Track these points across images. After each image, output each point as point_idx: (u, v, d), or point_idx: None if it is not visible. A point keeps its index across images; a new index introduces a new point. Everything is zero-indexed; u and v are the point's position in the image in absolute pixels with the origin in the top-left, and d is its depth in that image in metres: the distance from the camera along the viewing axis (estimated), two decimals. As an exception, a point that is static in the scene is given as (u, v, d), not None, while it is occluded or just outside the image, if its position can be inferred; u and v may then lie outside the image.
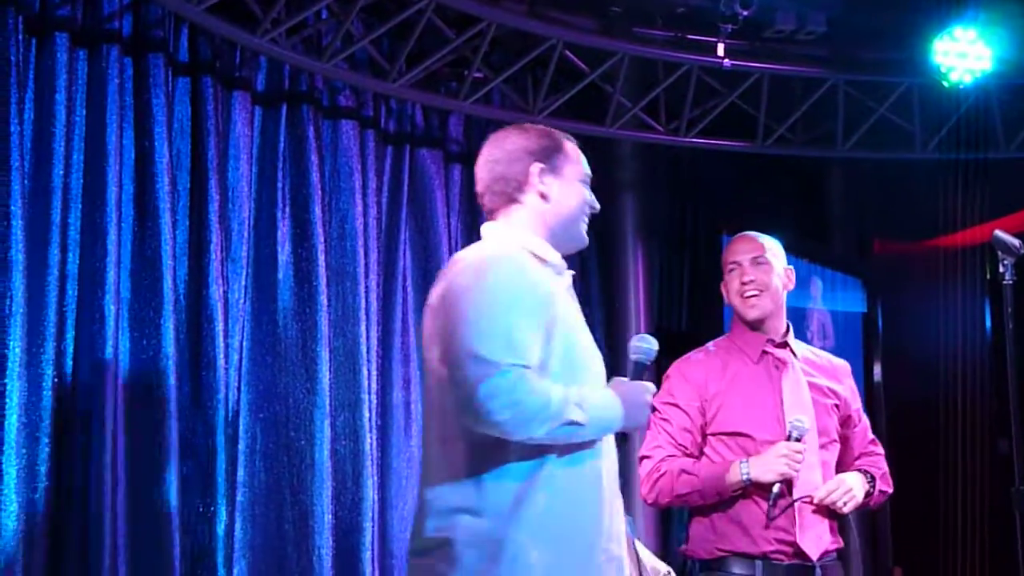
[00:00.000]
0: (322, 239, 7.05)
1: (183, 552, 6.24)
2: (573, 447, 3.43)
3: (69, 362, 5.96)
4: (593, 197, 3.77)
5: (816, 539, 4.65)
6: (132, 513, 6.09)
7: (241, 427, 6.68)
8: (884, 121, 8.75)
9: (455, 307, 3.42)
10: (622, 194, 8.79)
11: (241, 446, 6.67)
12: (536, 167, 3.65)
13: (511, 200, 3.69)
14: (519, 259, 3.50)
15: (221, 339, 6.54)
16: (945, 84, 8.10)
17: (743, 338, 4.86)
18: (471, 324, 3.34)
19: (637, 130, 8.46)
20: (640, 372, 3.68)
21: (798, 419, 4.61)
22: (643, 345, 3.71)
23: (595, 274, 8.76)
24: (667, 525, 8.57)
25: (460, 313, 3.39)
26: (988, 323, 9.49)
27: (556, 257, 3.65)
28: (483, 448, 3.38)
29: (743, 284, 4.81)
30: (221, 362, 6.52)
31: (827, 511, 4.69)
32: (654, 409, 4.79)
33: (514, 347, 3.31)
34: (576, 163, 3.73)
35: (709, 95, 8.48)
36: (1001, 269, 4.51)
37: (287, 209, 7.05)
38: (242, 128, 6.93)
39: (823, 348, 8.54)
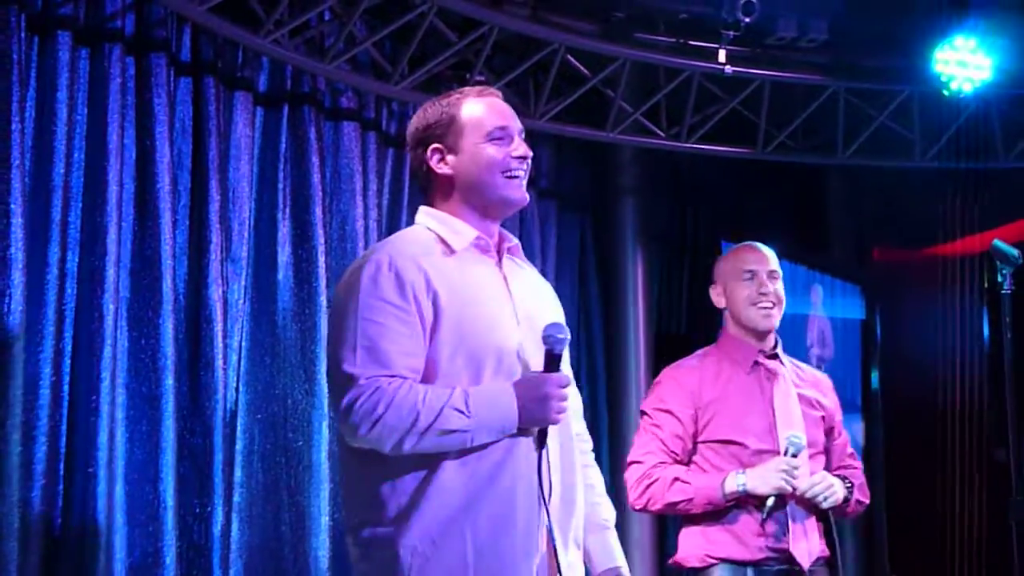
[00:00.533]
0: (322, 240, 7.05)
1: (179, 552, 6.23)
2: (472, 450, 3.28)
3: (67, 361, 5.95)
4: (515, 146, 3.55)
5: (807, 546, 4.67)
6: (128, 512, 6.09)
7: (239, 428, 6.68)
8: (884, 129, 8.76)
9: (330, 320, 3.43)
10: (622, 199, 8.81)
11: (239, 447, 6.67)
12: (429, 152, 3.55)
13: (427, 185, 3.61)
14: (386, 254, 3.38)
15: (220, 339, 6.54)
16: (945, 93, 8.10)
17: (736, 347, 4.85)
18: (336, 337, 3.32)
19: (638, 135, 8.47)
20: (552, 362, 3.37)
21: (795, 435, 4.64)
22: (555, 334, 3.39)
23: (594, 279, 8.77)
24: (664, 536, 8.57)
25: (331, 325, 3.40)
26: (986, 332, 9.50)
27: (464, 231, 3.50)
28: (372, 459, 3.29)
29: (762, 295, 4.78)
30: (220, 362, 6.52)
31: (816, 518, 4.72)
32: (644, 414, 4.82)
33: (377, 356, 3.24)
34: (475, 126, 3.54)
35: (710, 101, 8.49)
36: (999, 278, 4.53)
37: (288, 210, 7.05)
38: (243, 129, 6.93)
39: (822, 356, 8.56)
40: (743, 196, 9.94)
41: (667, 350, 8.90)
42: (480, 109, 3.57)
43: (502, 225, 3.66)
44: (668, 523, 8.60)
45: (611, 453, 8.50)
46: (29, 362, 5.81)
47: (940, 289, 9.80)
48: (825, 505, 4.70)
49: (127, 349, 6.23)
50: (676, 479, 4.66)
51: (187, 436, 6.42)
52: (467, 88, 3.66)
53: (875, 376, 10.03)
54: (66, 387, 5.93)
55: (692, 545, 4.72)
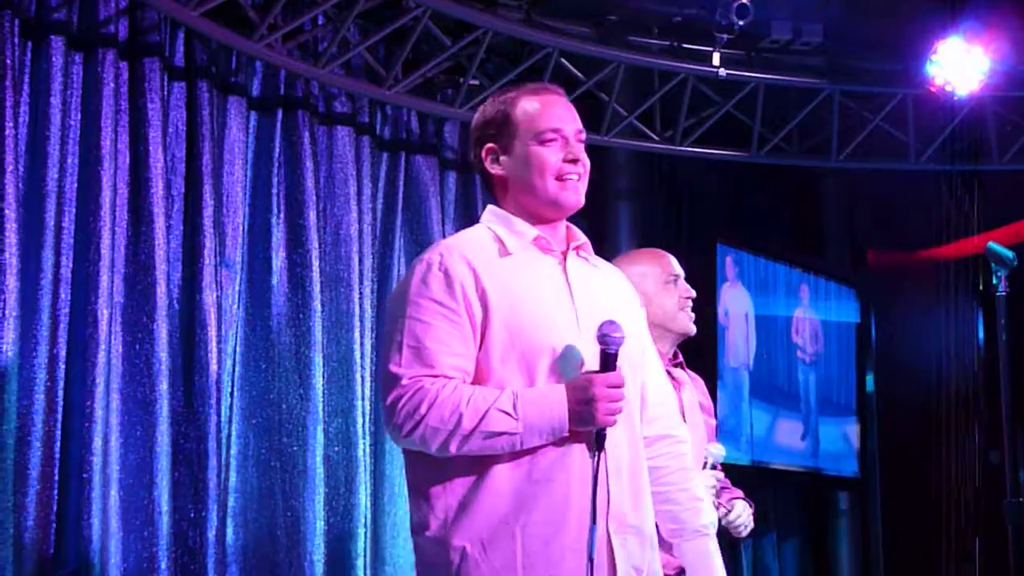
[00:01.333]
0: (316, 245, 7.05)
1: (174, 557, 6.23)
2: (524, 452, 3.17)
3: (62, 366, 5.95)
4: (568, 147, 3.40)
5: None
6: (123, 517, 6.09)
7: (234, 432, 6.68)
8: (879, 131, 8.77)
9: (385, 320, 3.39)
10: (617, 202, 8.80)
11: (233, 451, 6.67)
12: (484, 151, 3.46)
13: (488, 184, 3.52)
14: (438, 253, 3.29)
15: (214, 344, 6.53)
16: (940, 96, 8.10)
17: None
18: (385, 337, 3.27)
19: (632, 138, 8.47)
20: (606, 361, 3.23)
21: (715, 447, 4.63)
22: (611, 332, 3.23)
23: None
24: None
25: (384, 325, 3.36)
26: (981, 334, 9.50)
27: (523, 230, 3.39)
28: (424, 460, 3.22)
29: (688, 299, 4.75)
30: (214, 367, 6.51)
31: None
32: None
33: (422, 356, 3.17)
34: (528, 124, 3.42)
35: (704, 104, 8.49)
36: (994, 281, 4.52)
37: (282, 215, 7.05)
38: (237, 133, 6.93)
39: (815, 352, 8.53)
40: (738, 199, 9.95)
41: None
42: (534, 108, 3.45)
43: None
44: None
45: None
46: (23, 367, 5.82)
47: (935, 291, 9.79)
48: (743, 533, 4.74)
49: (121, 354, 6.23)
50: None
51: (181, 441, 6.41)
52: (528, 85, 3.55)
53: (870, 379, 10.03)
54: (60, 392, 5.94)
55: None
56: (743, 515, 4.68)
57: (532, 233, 3.40)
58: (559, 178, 3.39)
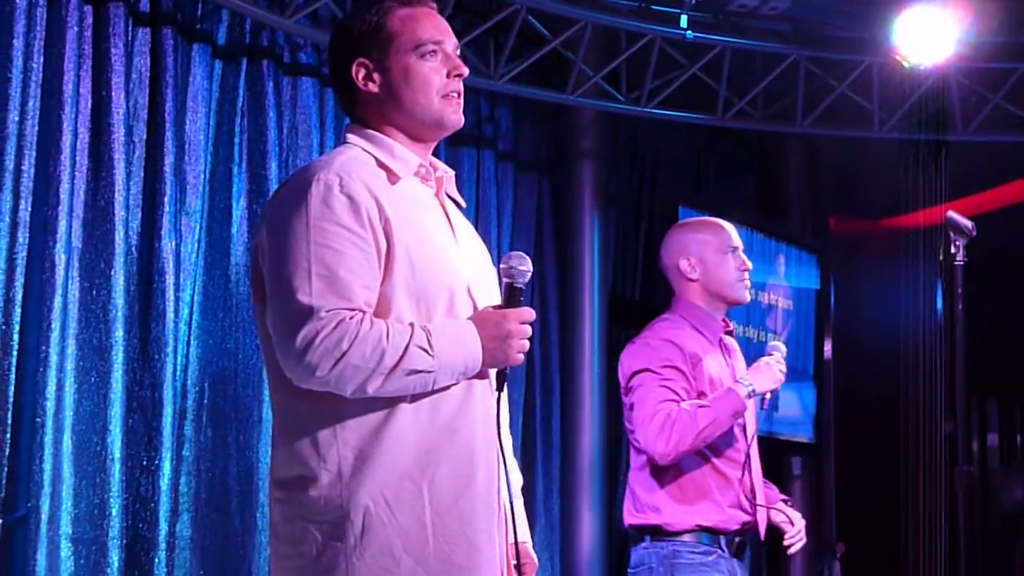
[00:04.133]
0: (278, 196, 7.02)
1: (125, 504, 6.22)
2: (424, 396, 2.95)
3: (17, 309, 5.91)
4: (451, 62, 3.19)
5: (763, 517, 4.76)
6: (76, 463, 6.08)
7: (189, 381, 6.66)
8: (844, 99, 8.79)
9: (272, 245, 2.98)
10: (580, 162, 8.79)
11: (188, 401, 6.65)
12: (354, 67, 3.16)
13: (351, 104, 3.22)
14: (335, 175, 2.97)
15: (172, 292, 6.51)
16: (904, 65, 8.12)
17: (705, 320, 4.83)
18: (283, 265, 2.91)
19: (598, 98, 8.46)
20: (513, 296, 3.07)
21: (774, 344, 4.78)
22: (518, 266, 3.07)
23: (550, 240, 8.77)
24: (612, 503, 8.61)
25: (277, 252, 2.95)
26: (939, 303, 9.56)
27: (406, 157, 3.14)
28: (317, 403, 2.94)
29: (743, 271, 4.82)
30: (171, 315, 6.50)
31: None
32: (647, 371, 4.69)
33: (336, 287, 2.87)
34: (407, 37, 3.16)
35: (671, 66, 8.49)
36: (953, 250, 4.55)
37: (243, 164, 7.03)
38: (201, 81, 6.89)
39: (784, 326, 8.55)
40: (702, 162, 9.97)
41: (621, 314, 8.95)
42: (411, 19, 3.18)
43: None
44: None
45: (562, 415, 8.56)
46: (-22, 311, 5.79)
47: (896, 260, 9.85)
48: (792, 550, 4.86)
49: (78, 300, 6.20)
50: (697, 407, 4.58)
51: (136, 389, 6.40)
52: None
53: (828, 346, 10.08)
54: (15, 336, 5.89)
55: (676, 511, 4.67)
56: (798, 535, 4.84)
57: (415, 161, 3.15)
58: (442, 94, 3.16)
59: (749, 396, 4.62)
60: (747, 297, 4.86)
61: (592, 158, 8.84)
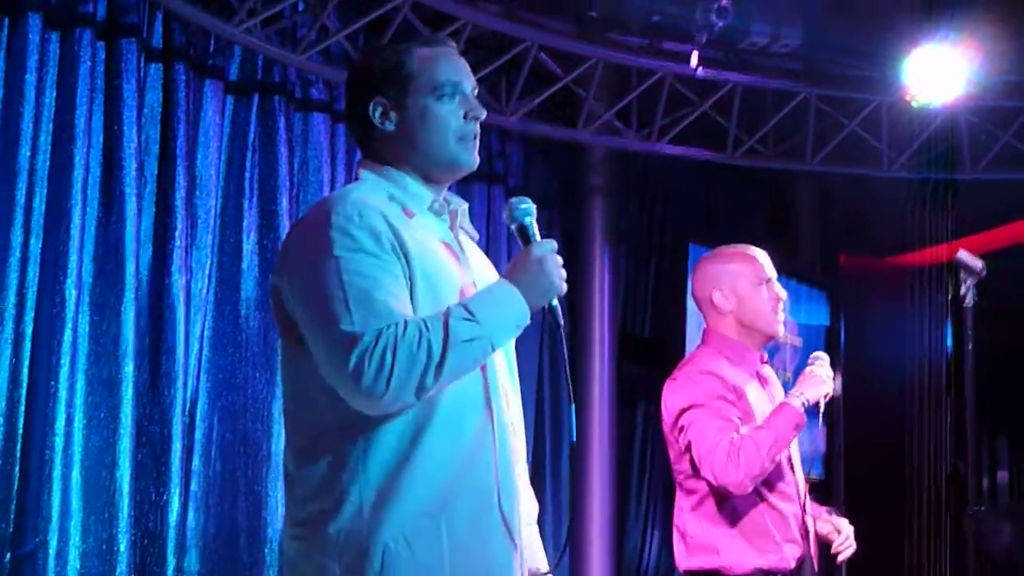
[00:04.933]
0: (288, 231, 7.02)
1: (134, 540, 6.22)
2: (444, 436, 2.94)
3: (27, 344, 5.93)
4: (469, 104, 3.16)
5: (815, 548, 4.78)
6: (85, 498, 6.08)
7: (198, 416, 6.66)
8: (853, 137, 8.80)
9: (301, 285, 2.96)
10: (591, 198, 8.81)
11: (197, 435, 6.65)
12: (372, 105, 3.15)
13: (366, 141, 3.20)
14: (352, 206, 2.96)
15: (182, 327, 6.53)
16: (914, 104, 8.12)
17: (741, 353, 4.76)
18: (323, 300, 2.88)
19: (608, 135, 8.48)
20: (526, 236, 3.10)
21: (815, 354, 4.77)
22: (517, 206, 3.10)
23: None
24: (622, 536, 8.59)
25: (308, 289, 2.94)
26: (949, 342, 9.53)
27: (420, 192, 3.14)
28: (339, 441, 2.94)
29: (779, 301, 4.77)
30: (181, 350, 6.51)
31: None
32: (697, 407, 4.56)
33: (374, 309, 2.85)
34: (425, 79, 3.14)
35: (681, 103, 8.50)
36: (963, 290, 4.54)
37: (254, 199, 7.04)
38: (213, 116, 6.91)
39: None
40: (712, 199, 9.98)
41: (631, 350, 8.95)
42: (431, 60, 3.16)
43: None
44: (627, 523, 8.64)
45: (572, 456, 8.54)
46: (-11, 345, 5.80)
47: (905, 298, 9.83)
48: (841, 558, 4.84)
49: (88, 334, 6.21)
50: (757, 429, 4.55)
51: (145, 423, 6.40)
52: (420, 36, 3.28)
53: (838, 382, 10.06)
54: (25, 371, 5.92)
55: (735, 553, 4.60)
56: (848, 540, 4.84)
57: (428, 196, 3.14)
58: (461, 138, 3.15)
59: (803, 406, 4.60)
60: (781, 331, 4.76)
61: (603, 194, 8.85)
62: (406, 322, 2.85)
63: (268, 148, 7.15)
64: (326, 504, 2.93)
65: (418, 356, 2.82)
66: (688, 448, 4.59)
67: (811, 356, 4.76)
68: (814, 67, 8.57)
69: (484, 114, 3.19)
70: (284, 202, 7.07)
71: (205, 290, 6.79)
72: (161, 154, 6.65)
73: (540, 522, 3.43)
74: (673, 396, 4.67)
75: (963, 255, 4.58)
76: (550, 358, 8.60)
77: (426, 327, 2.85)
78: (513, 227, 3.13)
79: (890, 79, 8.19)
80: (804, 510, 4.71)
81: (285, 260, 3.05)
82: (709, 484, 4.55)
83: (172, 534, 6.40)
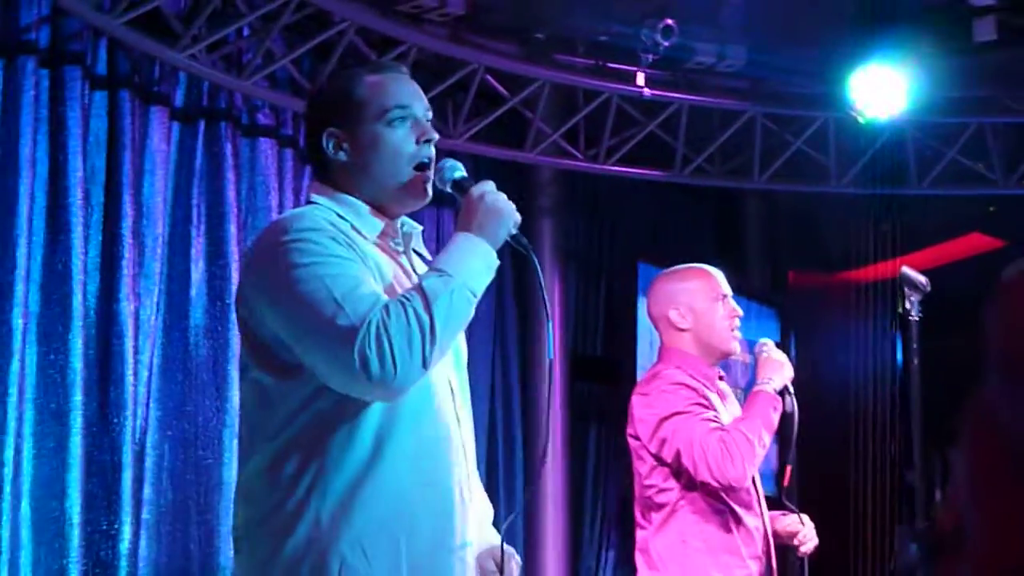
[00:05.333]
0: (236, 257, 7.00)
1: (85, 570, 6.18)
2: (407, 448, 2.95)
3: (-26, 375, 5.90)
4: (420, 128, 3.15)
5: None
6: (35, 530, 6.03)
7: (148, 444, 6.62)
8: (800, 154, 8.84)
9: (278, 298, 2.95)
10: (540, 219, 8.79)
11: (148, 463, 6.60)
12: (325, 137, 3.13)
13: (323, 170, 3.19)
14: (309, 220, 2.99)
15: (131, 355, 6.49)
16: (860, 120, 8.16)
17: (697, 368, 4.76)
18: (311, 306, 2.87)
19: (556, 156, 8.49)
20: (463, 188, 3.14)
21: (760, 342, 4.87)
22: (444, 166, 3.16)
23: (511, 296, 8.77)
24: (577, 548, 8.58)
25: (291, 303, 2.92)
26: (899, 357, 9.58)
27: (372, 218, 3.13)
28: (297, 452, 2.93)
29: (736, 317, 4.79)
30: (130, 379, 6.46)
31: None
32: (677, 414, 4.59)
33: (359, 298, 2.86)
34: (374, 101, 3.13)
35: (628, 124, 8.53)
36: (908, 305, 4.56)
37: (202, 226, 7.01)
38: (159, 143, 6.87)
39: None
40: (660, 218, 9.99)
41: (583, 370, 8.95)
42: (379, 86, 3.15)
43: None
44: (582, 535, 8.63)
45: (525, 470, 8.53)
46: (-66, 375, 5.76)
47: (854, 314, 9.88)
48: (803, 549, 4.89)
49: (36, 364, 6.17)
50: (740, 422, 4.59)
51: (95, 452, 6.36)
52: (369, 63, 3.34)
53: (788, 400, 10.08)
54: (-28, 402, 5.87)
55: (700, 567, 4.59)
56: (810, 534, 4.91)
57: (379, 224, 3.13)
58: (417, 165, 3.15)
59: (774, 391, 4.64)
60: (736, 349, 4.82)
61: (551, 215, 8.85)
62: (386, 304, 2.86)
63: (215, 174, 7.12)
64: (281, 516, 2.92)
65: (411, 327, 2.82)
66: (677, 456, 4.59)
67: (758, 345, 4.80)
68: (760, 86, 8.62)
69: (436, 137, 3.18)
70: (232, 228, 7.04)
71: (153, 318, 6.75)
72: (107, 182, 6.61)
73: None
74: (648, 409, 4.68)
75: (906, 271, 4.60)
76: (502, 377, 8.60)
77: (405, 298, 2.87)
78: (448, 188, 3.17)
79: (836, 96, 8.23)
80: (766, 525, 4.74)
81: (252, 287, 3.05)
82: (684, 493, 4.60)
83: (124, 563, 6.35)
